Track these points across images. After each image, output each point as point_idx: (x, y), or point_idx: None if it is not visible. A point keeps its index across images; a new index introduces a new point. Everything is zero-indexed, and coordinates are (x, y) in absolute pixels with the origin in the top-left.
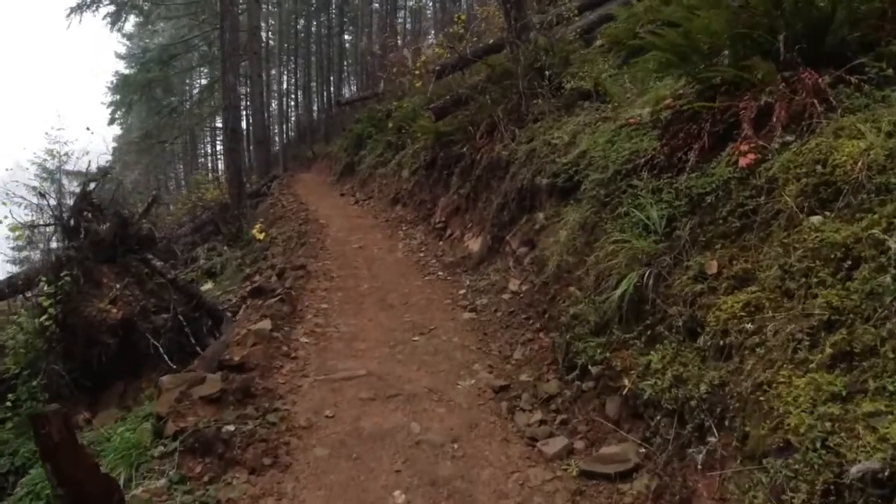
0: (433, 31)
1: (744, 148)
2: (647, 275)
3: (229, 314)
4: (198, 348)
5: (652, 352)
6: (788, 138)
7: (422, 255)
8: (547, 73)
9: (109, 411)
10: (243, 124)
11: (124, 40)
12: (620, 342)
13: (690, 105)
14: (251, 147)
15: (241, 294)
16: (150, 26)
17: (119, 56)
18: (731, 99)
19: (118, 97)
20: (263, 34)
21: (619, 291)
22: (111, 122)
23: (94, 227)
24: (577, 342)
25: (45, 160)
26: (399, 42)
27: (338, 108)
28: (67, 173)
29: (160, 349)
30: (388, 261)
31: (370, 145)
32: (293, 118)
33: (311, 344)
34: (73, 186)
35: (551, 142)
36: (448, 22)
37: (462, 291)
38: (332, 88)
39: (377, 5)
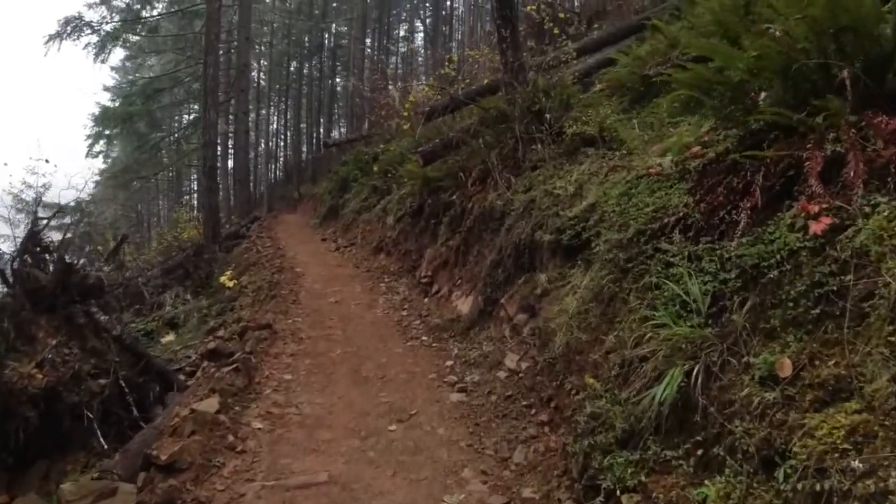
0: (423, 77)
1: (814, 209)
2: (695, 372)
3: (183, 377)
4: (141, 422)
5: (707, 482)
6: (880, 198)
7: (404, 313)
8: (547, 116)
9: (28, 497)
10: (230, 163)
11: (113, 73)
12: (660, 462)
13: (728, 153)
14: (234, 186)
15: (201, 350)
16: (138, 60)
17: (106, 88)
18: (785, 147)
19: (98, 129)
20: (255, 74)
21: (659, 392)
22: (88, 154)
23: (34, 272)
24: (599, 454)
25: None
26: (390, 86)
27: (325, 149)
28: (45, 206)
29: (94, 422)
30: (366, 319)
31: (355, 189)
32: (282, 158)
33: (265, 431)
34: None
35: (553, 192)
36: (439, 66)
37: (449, 363)
38: (321, 130)
39: (370, 50)
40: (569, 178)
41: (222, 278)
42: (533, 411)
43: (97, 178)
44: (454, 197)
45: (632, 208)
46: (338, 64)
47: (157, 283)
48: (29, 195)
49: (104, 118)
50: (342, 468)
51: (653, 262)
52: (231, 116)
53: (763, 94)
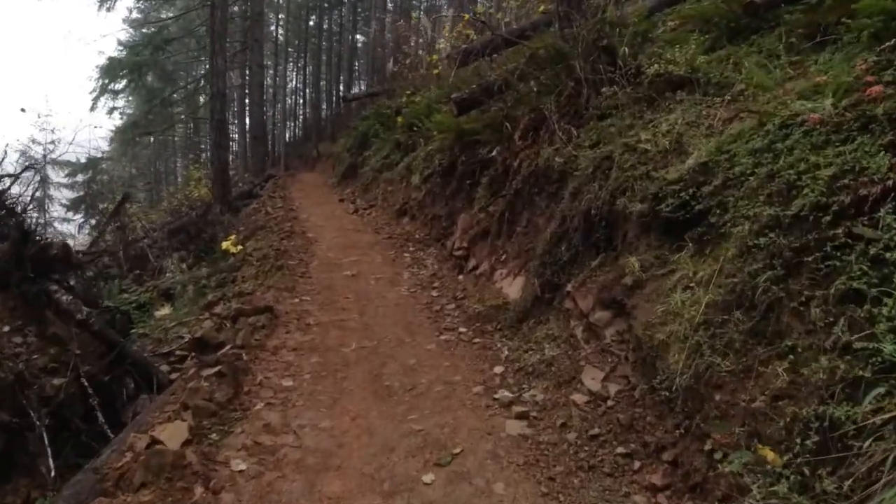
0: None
1: None
2: None
3: (167, 368)
4: (107, 428)
5: None
6: None
7: (434, 294)
8: (625, 49)
9: None
10: (247, 120)
11: (125, 26)
12: None
13: None
14: (248, 143)
15: (194, 332)
16: (147, 2)
17: (120, 43)
18: None
19: (103, 82)
20: (272, 28)
21: None
22: (92, 108)
23: None
24: None
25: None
26: (412, 41)
27: (344, 104)
28: (55, 163)
29: (43, 439)
30: (388, 300)
31: (376, 145)
32: (301, 116)
33: (249, 477)
34: (59, 177)
35: (636, 146)
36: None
37: (498, 369)
38: (341, 87)
39: (391, 5)
40: (656, 129)
41: (225, 243)
42: (636, 465)
43: (105, 134)
44: (495, 153)
45: (787, 171)
46: (359, 18)
47: (162, 245)
48: (37, 151)
49: (110, 70)
50: None
51: (853, 257)
52: (247, 70)
53: None
